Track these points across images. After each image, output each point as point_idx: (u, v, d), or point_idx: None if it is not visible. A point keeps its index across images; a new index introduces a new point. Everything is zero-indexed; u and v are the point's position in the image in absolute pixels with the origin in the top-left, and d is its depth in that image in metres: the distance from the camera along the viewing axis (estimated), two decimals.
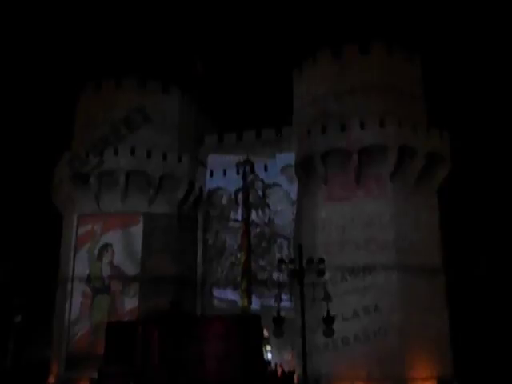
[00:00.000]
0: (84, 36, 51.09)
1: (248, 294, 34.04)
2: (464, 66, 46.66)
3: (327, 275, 21.49)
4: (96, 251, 34.88)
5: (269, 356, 33.38)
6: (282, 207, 35.43)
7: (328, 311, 20.93)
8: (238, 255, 35.16)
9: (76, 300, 34.30)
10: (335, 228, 31.52)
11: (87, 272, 34.65)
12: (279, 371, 30.94)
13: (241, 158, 35.64)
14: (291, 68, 36.38)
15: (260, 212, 35.89)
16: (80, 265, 34.85)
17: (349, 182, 31.57)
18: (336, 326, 21.34)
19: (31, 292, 41.71)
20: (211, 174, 36.81)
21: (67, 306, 34.30)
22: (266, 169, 35.65)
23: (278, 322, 21.10)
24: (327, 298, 21.09)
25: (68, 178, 35.54)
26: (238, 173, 35.79)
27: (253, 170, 35.55)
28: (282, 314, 21.77)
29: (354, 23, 46.20)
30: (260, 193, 35.78)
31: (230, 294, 35.17)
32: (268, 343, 33.20)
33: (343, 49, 33.62)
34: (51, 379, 33.28)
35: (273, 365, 31.90)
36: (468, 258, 37.50)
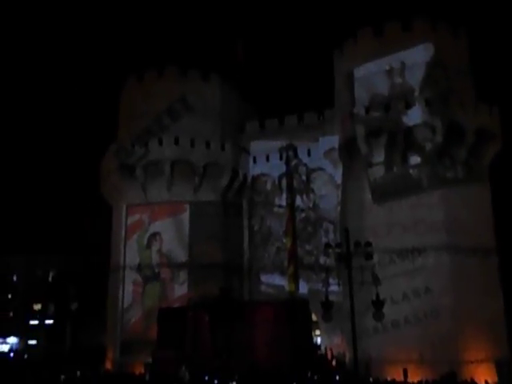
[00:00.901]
0: (126, 28, 51.72)
1: (295, 279, 34.10)
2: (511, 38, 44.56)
3: (375, 258, 21.11)
4: (145, 240, 35.58)
5: (318, 340, 33.32)
6: (326, 191, 35.11)
7: (377, 295, 20.56)
8: (284, 240, 35.20)
9: (128, 288, 35.16)
10: (382, 210, 30.94)
11: (137, 260, 35.43)
12: (329, 355, 30.85)
13: (283, 143, 35.56)
14: (332, 49, 35.69)
15: (304, 197, 35.67)
16: (130, 254, 35.65)
17: (395, 164, 30.86)
18: (386, 309, 20.98)
19: (86, 280, 43.07)
20: (254, 161, 36.79)
21: (120, 293, 35.22)
22: (309, 153, 35.31)
23: (327, 306, 20.85)
24: (376, 281, 20.71)
25: (115, 170, 36.26)
26: (281, 158, 35.75)
27: (296, 155, 35.39)
28: (331, 298, 21.49)
29: (394, 0, 44.79)
30: (304, 177, 35.54)
31: (278, 279, 35.24)
32: (317, 327, 33.10)
33: (385, 27, 32.62)
34: (107, 364, 34.35)
35: (322, 349, 31.83)
36: None
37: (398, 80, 31.45)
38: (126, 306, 34.85)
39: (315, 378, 24.01)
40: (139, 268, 35.16)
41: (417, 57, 31.24)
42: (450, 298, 28.45)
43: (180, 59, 38.29)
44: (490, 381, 25.18)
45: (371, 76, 31.87)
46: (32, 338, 42.39)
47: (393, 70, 31.56)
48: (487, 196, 31.37)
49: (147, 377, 28.10)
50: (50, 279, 46.65)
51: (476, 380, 25.07)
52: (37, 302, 45.51)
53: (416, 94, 30.77)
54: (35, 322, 42.91)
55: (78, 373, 28.50)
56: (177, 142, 35.48)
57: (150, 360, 29.39)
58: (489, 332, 28.14)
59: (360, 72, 32.55)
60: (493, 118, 31.34)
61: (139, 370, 30.75)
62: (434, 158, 30.33)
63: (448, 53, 31.80)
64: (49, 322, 43.08)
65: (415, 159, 30.80)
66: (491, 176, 32.04)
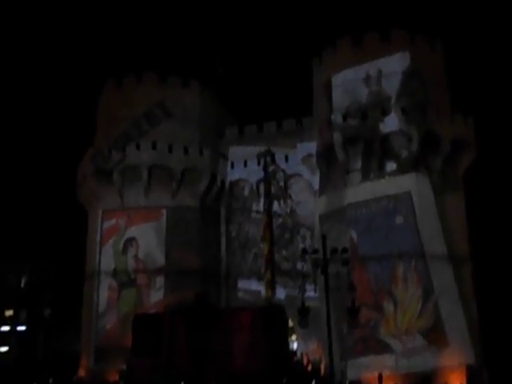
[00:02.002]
0: (104, 32, 51.34)
1: (272, 285, 34.17)
2: (487, 50, 45.60)
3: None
4: (121, 245, 35.23)
5: (294, 346, 33.37)
6: (303, 197, 35.25)
7: (353, 301, 20.73)
8: (261, 246, 35.19)
9: (103, 294, 34.72)
10: (357, 217, 31.18)
11: (113, 266, 35.03)
12: (305, 361, 30.90)
13: (262, 149, 35.66)
14: (310, 57, 36.01)
15: (282, 203, 35.78)
16: (106, 259, 35.24)
17: (371, 170, 31.20)
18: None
19: (59, 286, 42.40)
20: (232, 166, 36.80)
21: (95, 299, 34.75)
22: (286, 159, 35.47)
23: (303, 312, 20.99)
24: (352, 288, 20.89)
25: (92, 174, 35.94)
26: (259, 164, 35.87)
27: (274, 161, 35.55)
28: (307, 304, 21.65)
29: (373, 11, 45.46)
30: (281, 183, 35.65)
31: (255, 285, 35.21)
32: (293, 333, 33.16)
33: (363, 36, 33.06)
34: (81, 372, 33.81)
35: (298, 354, 31.88)
36: (495, 246, 36.76)
37: (375, 88, 31.85)
38: (100, 312, 34.39)
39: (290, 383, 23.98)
40: (115, 273, 34.74)
41: (394, 65, 31.72)
42: (424, 305, 28.70)
43: (159, 66, 38.23)
44: None
45: (349, 83, 32.24)
46: (3, 345, 41.43)
47: (370, 78, 31.96)
48: (461, 205, 31.90)
49: None
50: (22, 285, 45.74)
51: None
52: (8, 309, 44.56)
53: (393, 101, 31.20)
54: (6, 329, 41.98)
55: (51, 380, 28.02)
56: (155, 147, 35.34)
57: (124, 367, 29.04)
58: (462, 339, 28.47)
59: (338, 79, 32.90)
60: (468, 128, 31.94)
61: (114, 377, 30.36)
62: (409, 166, 30.73)
63: (425, 63, 32.37)
64: (21, 328, 42.19)
65: (391, 166, 31.18)
66: (465, 185, 32.58)
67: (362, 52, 32.64)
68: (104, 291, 34.77)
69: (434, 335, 28.36)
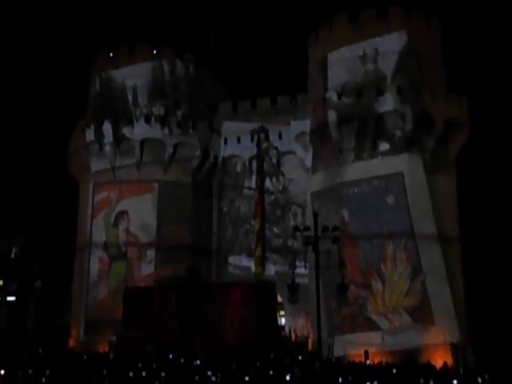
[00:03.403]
0: (97, 4, 50.43)
1: (262, 261, 34.47)
2: (484, 30, 45.36)
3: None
4: (112, 218, 35.34)
5: (283, 321, 33.85)
6: (296, 175, 35.31)
7: (342, 278, 21.01)
8: (253, 223, 35.36)
9: (93, 266, 34.94)
10: (348, 196, 31.41)
11: (104, 239, 35.21)
12: (293, 336, 31.42)
13: (255, 125, 35.57)
14: (306, 33, 35.70)
15: (274, 180, 35.85)
16: (97, 232, 35.41)
17: (364, 150, 31.31)
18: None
19: (50, 258, 42.51)
20: (225, 142, 36.70)
21: (85, 271, 35.00)
22: (280, 136, 35.39)
23: (293, 288, 21.25)
24: (342, 265, 21.16)
25: (83, 147, 35.93)
26: (252, 140, 35.82)
27: (267, 138, 35.48)
28: (297, 280, 21.92)
29: None
30: (274, 160, 35.66)
31: (245, 261, 35.48)
32: (282, 309, 33.60)
33: (360, 13, 32.76)
34: (71, 342, 34.19)
35: (287, 330, 32.37)
36: (485, 226, 37.21)
37: (371, 66, 31.68)
38: (91, 284, 34.66)
39: (278, 358, 24.45)
40: (105, 246, 34.94)
41: (390, 44, 31.52)
42: (412, 283, 29.19)
43: (152, 38, 37.71)
44: (448, 363, 26.06)
45: (345, 61, 32.03)
46: None
47: (366, 56, 31.77)
48: (453, 185, 32.10)
49: (111, 355, 28.12)
50: (12, 256, 45.81)
51: (434, 363, 25.94)
52: None
53: (388, 81, 31.10)
54: None
55: (41, 351, 28.31)
56: (147, 120, 35.19)
57: (114, 339, 29.39)
58: (448, 317, 29.00)
59: (334, 57, 32.66)
60: (462, 108, 31.94)
61: (104, 348, 30.72)
62: (402, 146, 30.86)
63: (421, 42, 32.19)
64: (11, 298, 42.41)
65: (384, 146, 31.28)
66: (458, 166, 32.77)
67: (358, 29, 32.38)
68: (95, 263, 34.97)
69: (421, 314, 28.86)
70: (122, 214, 35.24)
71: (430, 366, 24.90)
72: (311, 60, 35.14)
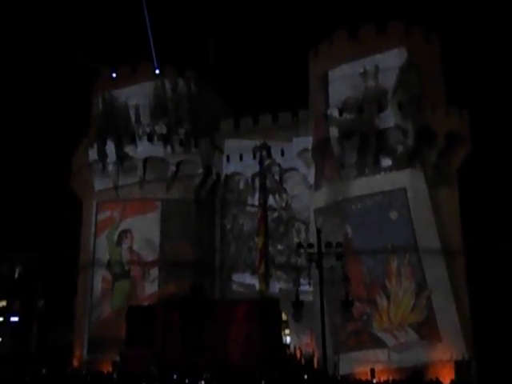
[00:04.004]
0: (98, 24, 50.99)
1: (266, 279, 34.32)
2: (483, 43, 45.64)
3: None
4: (115, 237, 35.37)
5: (288, 339, 33.60)
6: (298, 191, 35.29)
7: (347, 295, 20.91)
8: (256, 240, 35.27)
9: (97, 285, 34.92)
10: (352, 212, 31.38)
11: (107, 257, 35.20)
12: (298, 354, 31.16)
13: (257, 142, 35.68)
14: (307, 50, 35.96)
15: (277, 196, 35.83)
16: (100, 250, 35.42)
17: (367, 165, 31.38)
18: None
19: (53, 277, 42.42)
20: (228, 159, 36.76)
21: (88, 290, 34.96)
22: (282, 153, 35.45)
23: (297, 305, 21.14)
24: (346, 281, 21.06)
25: (86, 166, 36.09)
26: (254, 157, 35.87)
27: (269, 155, 35.55)
28: (301, 297, 21.81)
29: (369, 3, 45.31)
30: (277, 177, 35.66)
31: (249, 279, 35.33)
32: (287, 327, 33.36)
33: (359, 29, 33.03)
34: (75, 362, 33.99)
35: (292, 348, 32.11)
36: (489, 239, 37.05)
37: (372, 83, 31.87)
38: (94, 303, 34.61)
39: (283, 377, 24.22)
40: (109, 265, 34.93)
41: (390, 60, 31.72)
42: (417, 299, 29.02)
43: (153, 57, 37.96)
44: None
45: (346, 78, 32.22)
46: None
47: (367, 73, 31.98)
48: (455, 199, 32.08)
49: (115, 375, 27.92)
50: (16, 276, 45.74)
51: (441, 380, 25.67)
52: (1, 299, 44.58)
53: (389, 97, 31.25)
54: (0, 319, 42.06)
55: (44, 371, 28.15)
56: (150, 138, 35.36)
57: (118, 358, 29.21)
58: (455, 333, 28.75)
59: (335, 74, 32.86)
60: (463, 122, 32.05)
61: (107, 368, 30.53)
62: (404, 161, 30.88)
63: (421, 56, 32.42)
64: (14, 319, 42.25)
65: (386, 162, 31.32)
66: (460, 179, 32.77)
67: (359, 45, 32.63)
68: (98, 282, 34.95)
69: (427, 330, 28.65)
70: (126, 233, 35.27)
71: (437, 383, 24.63)
72: (312, 76, 35.34)
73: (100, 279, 35.01)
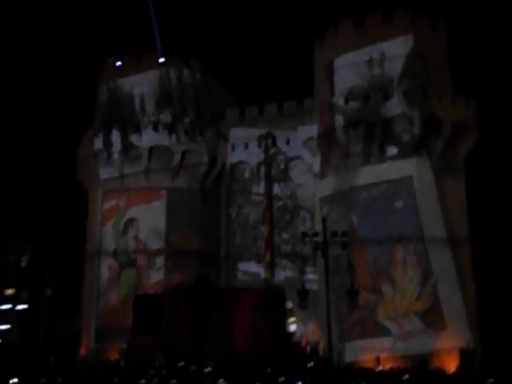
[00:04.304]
0: (103, 12, 50.78)
1: (271, 267, 34.43)
2: (491, 31, 45.16)
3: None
4: (121, 226, 35.47)
5: (293, 327, 33.72)
6: (304, 180, 35.24)
7: (352, 284, 20.93)
8: (261, 228, 35.31)
9: (103, 274, 35.10)
10: (357, 200, 31.35)
11: (113, 246, 35.35)
12: (303, 342, 31.30)
13: (262, 131, 35.63)
14: (312, 38, 35.73)
15: (282, 185, 35.80)
16: (106, 239, 35.56)
17: (372, 154, 31.27)
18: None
19: (60, 266, 42.67)
20: (233, 148, 36.73)
21: (95, 279, 35.16)
22: (287, 142, 35.38)
23: (303, 294, 21.19)
24: (351, 270, 21.06)
25: (92, 155, 36.17)
26: (259, 146, 35.84)
27: (275, 144, 35.53)
28: (307, 286, 21.90)
29: None
30: (282, 166, 35.63)
31: (254, 267, 35.38)
32: (292, 315, 33.47)
33: (365, 17, 32.74)
34: (82, 350, 34.28)
35: (297, 336, 32.25)
36: (495, 228, 36.93)
37: (378, 71, 31.66)
38: (101, 291, 34.79)
39: (289, 365, 24.36)
40: (115, 254, 35.05)
41: (397, 48, 31.50)
42: (422, 288, 29.04)
43: (158, 45, 37.77)
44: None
45: (351, 66, 32.03)
46: (4, 323, 41.87)
47: (373, 61, 31.76)
48: (462, 188, 31.96)
49: (122, 363, 28.17)
50: (23, 264, 46.05)
51: (446, 368, 25.75)
52: (9, 287, 44.92)
53: (395, 85, 31.07)
54: (7, 307, 42.38)
55: (52, 359, 28.42)
56: (155, 127, 35.34)
57: (125, 346, 29.45)
58: (460, 321, 28.79)
59: (340, 62, 32.68)
60: (469, 111, 31.85)
61: (114, 356, 30.78)
62: (410, 150, 30.77)
63: (427, 45, 32.15)
64: (22, 307, 42.61)
65: (392, 150, 31.22)
66: (466, 168, 32.62)
67: (364, 33, 32.37)
68: (104, 271, 35.11)
69: (432, 318, 28.69)
70: (131, 222, 35.35)
71: (441, 372, 24.71)
72: (317, 65, 35.15)
73: (106, 268, 35.17)
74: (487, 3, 45.01)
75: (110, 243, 35.44)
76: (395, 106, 30.67)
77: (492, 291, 32.95)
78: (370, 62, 31.79)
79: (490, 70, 42.07)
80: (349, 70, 32.11)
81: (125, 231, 35.47)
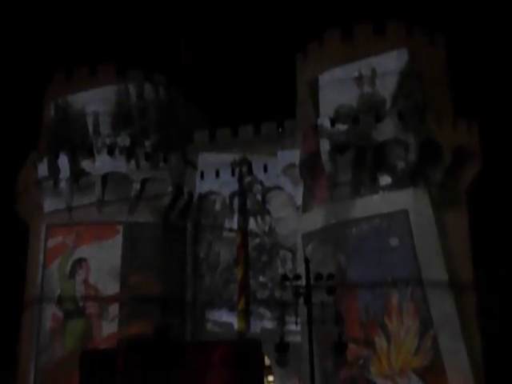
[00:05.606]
0: (53, 19, 51.05)
1: (246, 316, 34.21)
2: (493, 47, 46.64)
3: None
4: (68, 267, 35.06)
5: None
6: (284, 214, 35.40)
7: (339, 336, 20.80)
8: (234, 270, 35.21)
9: (45, 325, 34.46)
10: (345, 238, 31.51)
11: (58, 292, 34.82)
12: None
13: (236, 156, 35.83)
14: (294, 51, 36.41)
15: (259, 219, 35.90)
16: (50, 283, 35.05)
17: (363, 184, 31.56)
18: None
19: None
20: (202, 176, 36.81)
21: (35, 332, 34.45)
22: (265, 169, 35.66)
23: (282, 348, 21.03)
24: (339, 319, 20.96)
25: (34, 183, 35.87)
26: (233, 174, 36.01)
27: (250, 171, 35.72)
28: (287, 338, 21.71)
29: (366, 0, 46.16)
30: (259, 197, 35.75)
31: (226, 316, 35.17)
32: (270, 373, 33.13)
33: (354, 29, 33.52)
34: None
35: None
36: (503, 270, 37.33)
37: (368, 89, 32.32)
38: (41, 347, 34.07)
39: None
40: (60, 301, 34.54)
41: (389, 64, 32.26)
42: (421, 340, 29.04)
43: (117, 58, 38.17)
44: None
45: (338, 83, 32.67)
46: None
47: (362, 78, 32.44)
48: (464, 224, 32.35)
49: None
50: None
51: None
52: None
53: (388, 105, 31.68)
54: None
55: None
56: (111, 152, 35.29)
57: None
58: (464, 379, 28.76)
59: (325, 79, 33.31)
60: (472, 135, 32.53)
61: None
62: (405, 179, 31.13)
63: (424, 61, 33.04)
64: None
65: (385, 180, 31.57)
66: (469, 201, 33.07)
67: (353, 47, 33.18)
68: (47, 321, 34.52)
69: (433, 376, 28.65)
70: (80, 263, 34.96)
71: None
72: (300, 82, 35.73)
73: (49, 318, 34.60)
74: (489, 17, 46.57)
75: (54, 288, 34.89)
76: (388, 130, 31.10)
77: (501, 343, 33.07)
78: (359, 79, 32.43)
79: (494, 90, 43.24)
80: (335, 87, 32.68)
81: (72, 274, 35.03)
